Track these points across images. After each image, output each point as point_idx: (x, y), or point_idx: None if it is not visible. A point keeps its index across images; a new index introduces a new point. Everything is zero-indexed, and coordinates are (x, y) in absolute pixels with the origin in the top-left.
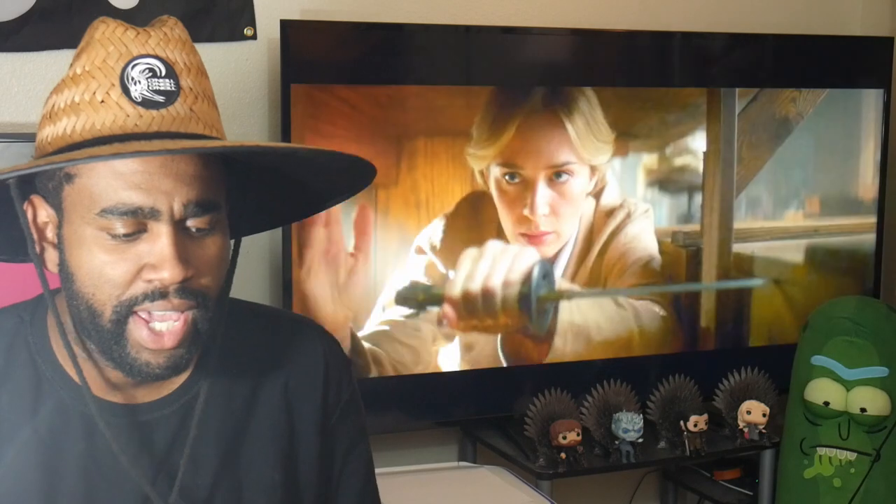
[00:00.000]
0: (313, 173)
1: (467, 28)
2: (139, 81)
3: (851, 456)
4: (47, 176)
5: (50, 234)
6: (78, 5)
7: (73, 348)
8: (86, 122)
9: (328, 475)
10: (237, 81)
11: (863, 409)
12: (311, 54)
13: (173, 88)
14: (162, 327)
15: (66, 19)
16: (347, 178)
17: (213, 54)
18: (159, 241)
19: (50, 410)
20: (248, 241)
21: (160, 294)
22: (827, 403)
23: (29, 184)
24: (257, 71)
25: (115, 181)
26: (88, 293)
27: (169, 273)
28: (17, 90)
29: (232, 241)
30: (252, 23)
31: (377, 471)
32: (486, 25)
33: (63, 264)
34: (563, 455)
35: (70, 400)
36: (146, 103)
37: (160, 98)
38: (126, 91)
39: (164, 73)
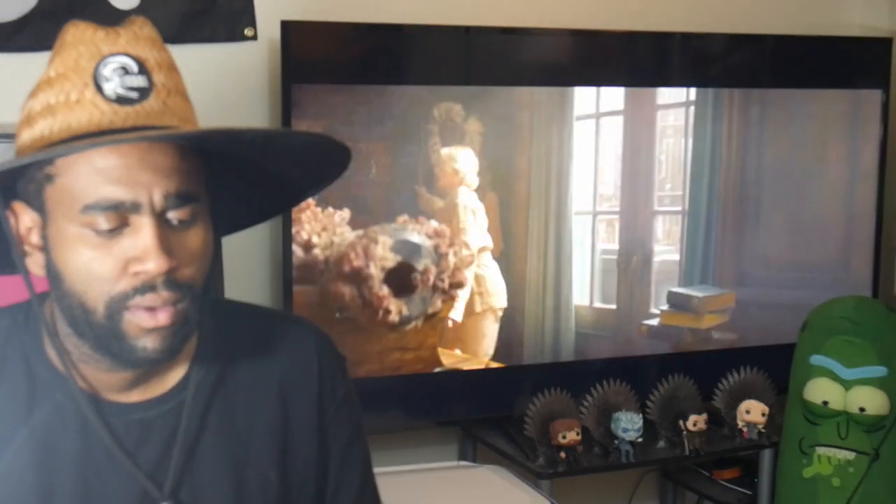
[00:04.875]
0: (290, 163)
1: (467, 28)
2: (112, 79)
3: (850, 455)
4: (28, 179)
5: (34, 238)
6: (79, 6)
7: (64, 349)
8: (62, 122)
9: (325, 473)
10: (237, 82)
11: (861, 409)
12: (311, 55)
13: (146, 84)
14: (155, 307)
15: (67, 20)
16: (324, 166)
17: (213, 55)
18: (141, 233)
19: (45, 411)
20: (247, 242)
21: (149, 287)
22: (826, 403)
23: (10, 190)
24: (257, 71)
25: (95, 177)
26: (80, 291)
27: (153, 263)
28: (18, 90)
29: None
30: (252, 23)
31: (377, 470)
32: (486, 25)
33: (50, 265)
34: (562, 454)
35: (65, 400)
36: (120, 100)
37: (133, 94)
38: (100, 89)
39: (135, 69)
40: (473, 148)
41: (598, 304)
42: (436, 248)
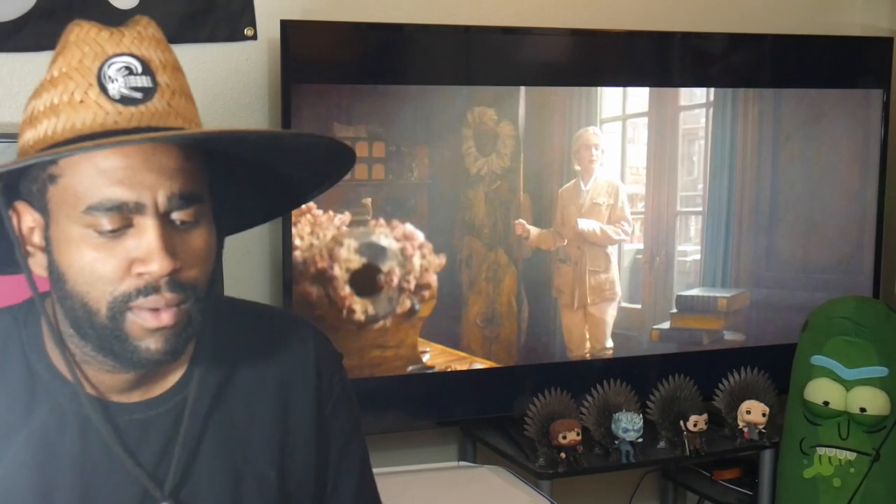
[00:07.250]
0: (294, 163)
1: (467, 28)
2: (116, 79)
3: (851, 456)
4: (31, 179)
5: (37, 238)
6: (78, 5)
7: (66, 348)
8: (66, 122)
9: (323, 470)
10: (237, 81)
11: (862, 409)
12: (311, 54)
13: (150, 85)
14: (158, 308)
15: (66, 19)
16: (327, 166)
17: (213, 54)
18: (145, 234)
19: (45, 411)
20: (248, 242)
21: (153, 289)
22: (826, 403)
23: (12, 190)
24: (257, 71)
25: (98, 178)
26: (82, 292)
27: (157, 265)
28: (17, 90)
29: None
30: (252, 23)
31: (377, 471)
32: (486, 25)
33: (52, 265)
34: (562, 455)
35: (65, 400)
36: (125, 100)
37: (138, 95)
38: (104, 90)
39: (140, 70)
40: (505, 152)
41: (625, 304)
42: (402, 250)
